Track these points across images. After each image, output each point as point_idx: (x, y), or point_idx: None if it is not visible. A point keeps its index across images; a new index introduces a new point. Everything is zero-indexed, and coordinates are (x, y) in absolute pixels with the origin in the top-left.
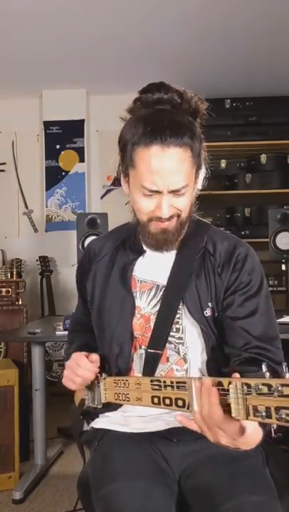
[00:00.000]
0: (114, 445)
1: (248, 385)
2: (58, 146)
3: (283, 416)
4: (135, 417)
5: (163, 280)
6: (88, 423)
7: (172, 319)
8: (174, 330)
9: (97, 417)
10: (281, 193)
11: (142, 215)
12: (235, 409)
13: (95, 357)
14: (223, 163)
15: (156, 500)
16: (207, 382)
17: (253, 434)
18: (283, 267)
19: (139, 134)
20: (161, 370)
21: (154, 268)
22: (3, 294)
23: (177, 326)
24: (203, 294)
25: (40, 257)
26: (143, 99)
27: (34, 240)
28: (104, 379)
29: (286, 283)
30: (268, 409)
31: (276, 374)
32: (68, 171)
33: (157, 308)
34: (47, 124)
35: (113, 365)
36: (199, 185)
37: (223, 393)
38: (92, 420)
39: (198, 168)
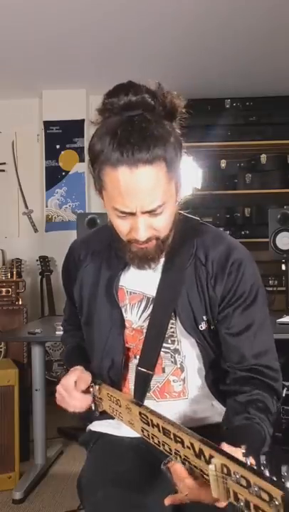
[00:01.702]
0: (108, 450)
1: (228, 470)
2: (58, 146)
3: None
4: None
5: (152, 291)
6: (86, 425)
7: (163, 336)
8: (169, 342)
9: (95, 419)
10: (281, 193)
11: (121, 236)
12: (216, 490)
13: (84, 387)
14: (223, 163)
15: (144, 510)
16: (179, 471)
17: None
18: (283, 267)
19: (104, 150)
20: (157, 383)
21: (142, 278)
22: (3, 294)
23: (172, 338)
24: (197, 307)
25: (40, 257)
26: (109, 104)
27: (34, 240)
28: (98, 387)
29: (286, 283)
30: (247, 503)
31: (270, 392)
32: (68, 171)
33: (148, 321)
34: (47, 124)
35: (106, 377)
36: (198, 185)
37: (205, 462)
38: (90, 423)
39: (177, 179)
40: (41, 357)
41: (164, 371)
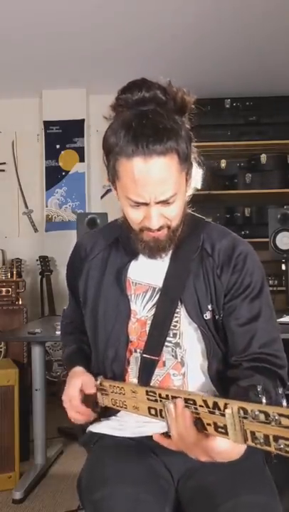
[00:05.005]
0: (108, 450)
1: (245, 410)
2: (58, 146)
3: (282, 446)
4: (132, 422)
5: (159, 282)
6: (87, 426)
7: (169, 324)
8: (171, 335)
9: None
10: (281, 193)
11: (133, 225)
12: (233, 434)
13: (91, 389)
14: (223, 163)
15: (147, 505)
16: (179, 405)
17: (228, 450)
18: (283, 267)
19: (120, 142)
20: (157, 376)
21: (149, 270)
22: (3, 294)
23: (174, 331)
24: (203, 296)
25: (40, 256)
26: (123, 100)
27: (34, 240)
28: (100, 383)
29: (286, 283)
30: (266, 436)
31: (273, 377)
32: (68, 171)
33: (153, 311)
34: (47, 124)
35: (108, 370)
36: (198, 185)
37: (220, 415)
38: (91, 424)
39: (188, 171)
40: (41, 357)
41: (164, 365)
